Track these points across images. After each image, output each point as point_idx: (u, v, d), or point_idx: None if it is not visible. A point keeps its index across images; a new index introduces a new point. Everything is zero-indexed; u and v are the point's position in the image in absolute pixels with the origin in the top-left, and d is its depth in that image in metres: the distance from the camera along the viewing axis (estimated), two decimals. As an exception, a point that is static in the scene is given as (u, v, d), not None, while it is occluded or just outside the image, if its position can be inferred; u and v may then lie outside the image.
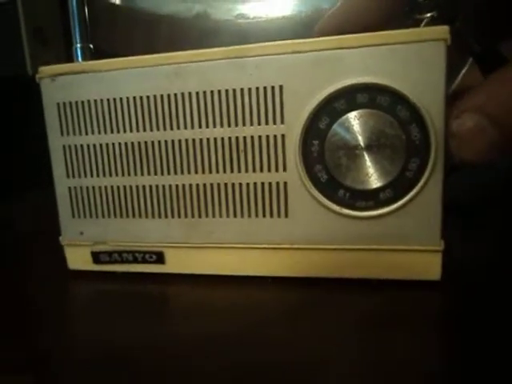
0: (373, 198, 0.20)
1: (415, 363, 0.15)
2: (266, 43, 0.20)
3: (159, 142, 0.22)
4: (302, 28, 0.38)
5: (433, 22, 0.19)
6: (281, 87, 0.20)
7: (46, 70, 0.22)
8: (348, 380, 0.14)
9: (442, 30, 0.18)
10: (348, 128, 0.19)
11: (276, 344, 0.17)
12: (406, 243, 0.20)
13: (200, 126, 0.21)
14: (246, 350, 0.16)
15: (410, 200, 0.19)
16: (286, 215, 0.21)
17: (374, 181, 0.20)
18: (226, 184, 0.21)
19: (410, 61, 0.18)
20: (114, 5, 0.39)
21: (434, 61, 0.18)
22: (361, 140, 0.19)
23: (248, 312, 0.19)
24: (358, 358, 0.16)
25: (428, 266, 0.20)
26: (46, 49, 0.32)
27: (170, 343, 0.17)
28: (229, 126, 0.21)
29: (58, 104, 0.22)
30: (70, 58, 0.25)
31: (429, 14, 0.19)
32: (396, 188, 0.20)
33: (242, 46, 0.20)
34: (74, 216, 0.24)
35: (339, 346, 0.16)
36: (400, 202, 0.20)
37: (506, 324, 0.17)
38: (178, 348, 0.17)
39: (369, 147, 0.19)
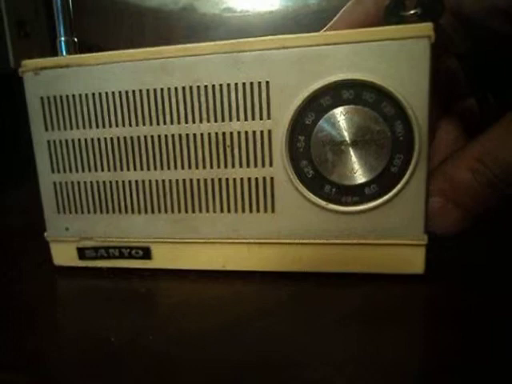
0: (358, 194, 0.20)
1: (400, 359, 0.15)
2: (253, 38, 0.20)
3: (145, 137, 0.21)
4: (289, 23, 0.38)
5: (417, 18, 0.19)
6: (267, 83, 0.20)
7: (29, 63, 0.22)
8: (334, 374, 0.15)
9: (426, 27, 0.18)
10: (334, 124, 0.20)
11: (264, 339, 0.17)
12: (391, 237, 0.20)
13: (186, 122, 0.21)
14: (236, 346, 0.16)
15: (395, 195, 0.20)
16: (273, 210, 0.21)
17: (360, 176, 0.20)
18: (212, 179, 0.21)
19: (394, 58, 0.19)
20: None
21: (419, 58, 0.18)
22: (346, 136, 0.19)
23: (235, 307, 0.20)
24: (343, 354, 0.16)
25: (412, 259, 0.20)
26: (30, 43, 0.31)
27: (160, 339, 0.17)
28: (215, 121, 0.21)
29: (42, 98, 0.22)
30: (55, 51, 0.24)
31: (413, 11, 0.19)
32: (381, 183, 0.20)
33: (229, 41, 0.20)
34: (59, 212, 0.23)
35: (325, 342, 0.16)
36: (385, 197, 0.20)
37: (489, 319, 0.17)
38: (169, 344, 0.17)
39: (354, 143, 0.19)
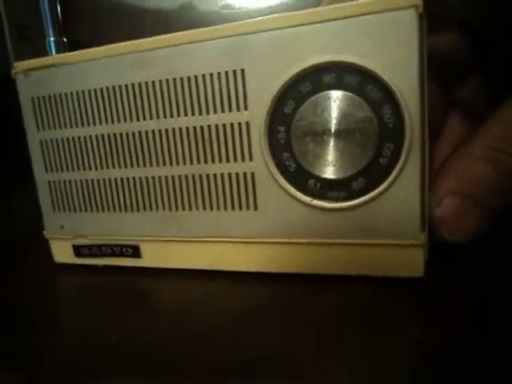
0: (345, 188, 0.18)
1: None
2: (226, 24, 0.19)
3: (127, 133, 0.21)
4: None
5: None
6: (242, 71, 0.18)
7: (20, 65, 0.22)
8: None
9: (413, -4, 0.16)
10: (315, 112, 0.18)
11: (245, 341, 0.16)
12: (383, 237, 0.18)
13: (165, 116, 0.20)
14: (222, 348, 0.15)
15: (386, 189, 0.18)
16: (255, 207, 0.20)
17: (345, 169, 0.18)
18: (193, 176, 0.20)
19: (378, 34, 0.16)
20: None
21: (405, 32, 0.16)
22: (329, 124, 0.18)
23: (222, 309, 0.19)
24: (330, 357, 0.14)
25: (409, 261, 0.18)
26: (31, 46, 0.32)
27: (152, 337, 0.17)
28: (193, 114, 0.20)
29: (33, 99, 0.23)
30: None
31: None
32: (369, 176, 0.18)
33: (201, 29, 0.19)
34: (54, 210, 0.24)
35: (312, 344, 0.15)
36: (374, 192, 0.18)
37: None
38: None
39: (338, 132, 0.18)
